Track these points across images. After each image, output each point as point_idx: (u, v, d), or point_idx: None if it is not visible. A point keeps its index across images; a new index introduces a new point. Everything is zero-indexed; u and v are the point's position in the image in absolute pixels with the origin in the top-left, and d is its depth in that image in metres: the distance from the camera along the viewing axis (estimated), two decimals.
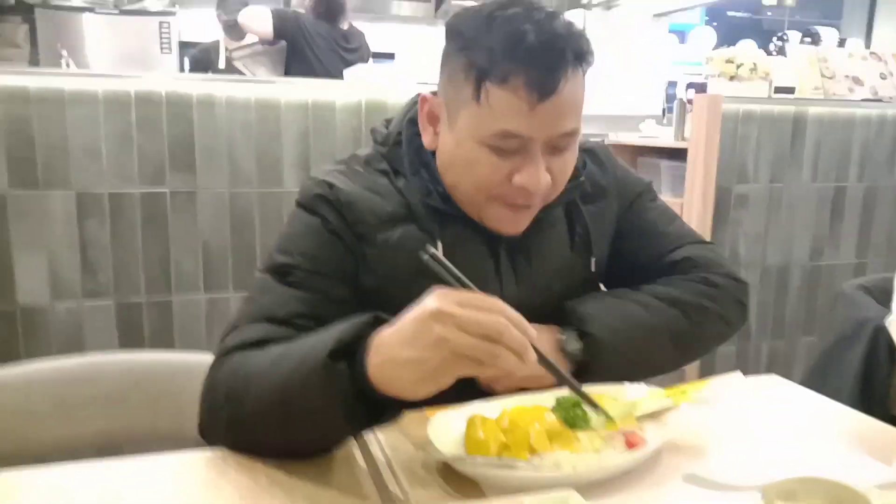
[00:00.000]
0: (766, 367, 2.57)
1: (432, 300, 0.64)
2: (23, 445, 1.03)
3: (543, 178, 0.85)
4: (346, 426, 0.70)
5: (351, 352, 0.68)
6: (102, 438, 1.08)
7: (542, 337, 0.90)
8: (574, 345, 0.90)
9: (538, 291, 0.95)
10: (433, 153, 0.93)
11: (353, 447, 0.77)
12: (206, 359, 0.94)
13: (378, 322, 0.69)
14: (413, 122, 0.95)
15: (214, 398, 0.77)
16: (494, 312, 0.64)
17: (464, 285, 0.70)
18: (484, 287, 0.91)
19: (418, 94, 0.97)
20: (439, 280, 0.70)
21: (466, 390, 0.86)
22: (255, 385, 0.73)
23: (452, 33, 0.87)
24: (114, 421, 1.07)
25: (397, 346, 0.65)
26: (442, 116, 0.89)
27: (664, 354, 0.94)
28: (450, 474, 0.70)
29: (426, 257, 0.71)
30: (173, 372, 1.09)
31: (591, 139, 1.10)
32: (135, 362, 1.10)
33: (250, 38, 3.87)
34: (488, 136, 0.83)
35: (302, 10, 3.39)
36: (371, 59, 3.53)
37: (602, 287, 1.05)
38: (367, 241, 0.89)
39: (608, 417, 0.75)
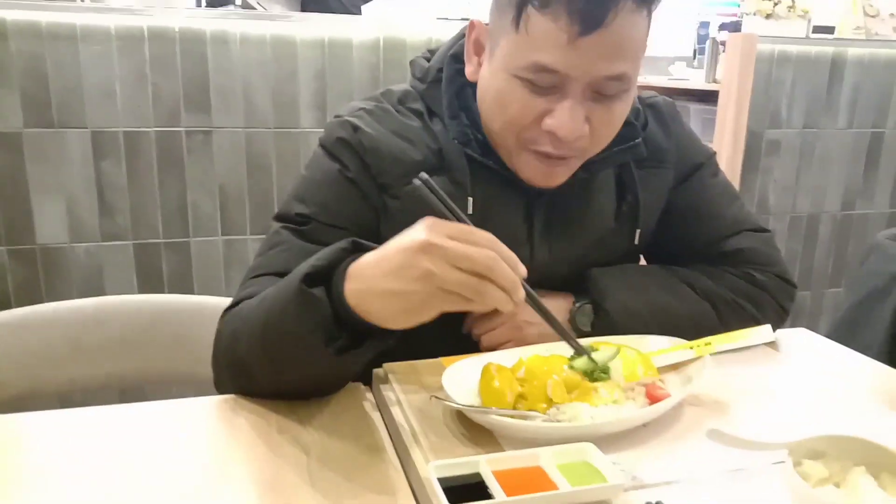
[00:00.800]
0: (792, 318, 2.53)
1: (421, 231, 0.61)
2: (41, 386, 1.04)
3: (577, 126, 0.76)
4: (329, 355, 0.66)
5: (328, 277, 0.66)
6: (118, 380, 1.08)
7: (555, 303, 0.87)
8: (585, 318, 0.86)
9: (572, 261, 0.89)
10: (475, 95, 0.85)
11: (365, 392, 0.76)
12: (221, 302, 0.93)
13: (357, 248, 0.67)
14: (456, 57, 0.87)
15: (218, 348, 0.77)
16: (485, 246, 0.61)
17: (457, 217, 0.67)
18: (514, 249, 0.87)
19: (467, 24, 0.90)
20: (432, 210, 0.66)
21: (460, 343, 0.84)
22: (247, 324, 0.72)
23: None
24: (129, 363, 1.07)
25: (380, 276, 0.62)
26: (487, 46, 0.81)
27: None
28: (465, 422, 0.68)
29: (418, 183, 0.68)
30: (189, 315, 1.09)
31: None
32: (151, 305, 1.10)
33: None
34: (522, 68, 0.75)
35: None
36: None
37: (642, 259, 0.98)
38: (389, 192, 0.84)
39: (594, 366, 0.72)
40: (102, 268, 1.85)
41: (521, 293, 0.63)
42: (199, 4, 4.12)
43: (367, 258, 0.65)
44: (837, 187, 2.42)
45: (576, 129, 0.76)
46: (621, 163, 0.88)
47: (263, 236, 0.87)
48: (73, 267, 1.83)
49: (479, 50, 0.83)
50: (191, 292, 1.91)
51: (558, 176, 0.83)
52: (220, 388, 0.77)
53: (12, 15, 1.68)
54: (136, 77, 1.80)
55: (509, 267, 0.61)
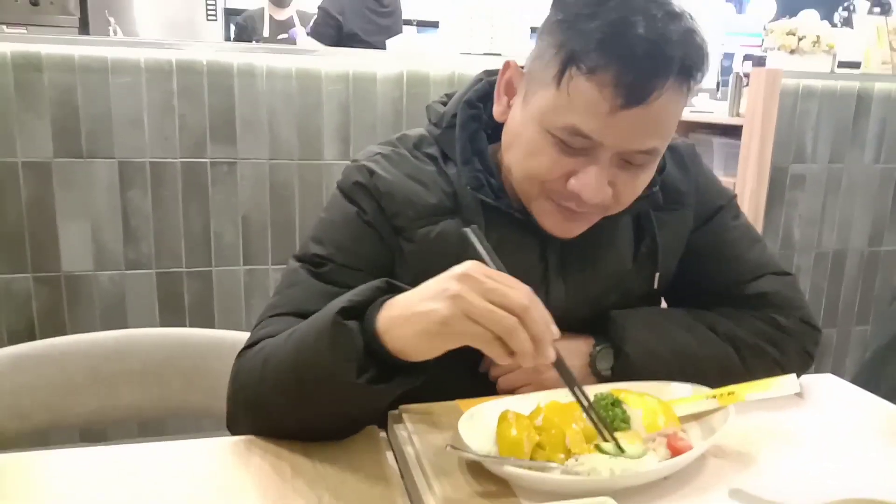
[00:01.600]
0: (818, 356, 2.48)
1: (463, 266, 0.62)
2: (61, 417, 1.05)
3: (602, 191, 0.76)
4: (359, 387, 0.65)
5: (362, 314, 0.67)
6: (137, 412, 1.09)
7: (575, 345, 0.86)
8: (605, 363, 0.85)
9: (589, 303, 0.88)
10: (489, 140, 0.86)
11: (380, 439, 0.75)
12: (240, 336, 0.94)
13: (391, 288, 0.69)
14: (470, 104, 0.87)
15: (234, 388, 0.77)
16: (523, 293, 0.61)
17: (499, 269, 0.67)
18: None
19: (483, 72, 0.91)
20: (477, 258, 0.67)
21: (478, 385, 0.83)
22: (272, 360, 0.72)
23: (557, 2, 0.77)
24: (149, 395, 1.07)
25: (413, 301, 0.64)
26: (520, 89, 0.81)
27: None
28: (480, 472, 0.67)
29: (467, 230, 0.69)
30: (208, 348, 1.09)
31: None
32: (171, 338, 1.10)
33: (294, 7, 3.85)
34: (557, 127, 0.75)
35: None
36: (402, 23, 3.42)
37: (663, 301, 0.97)
38: (405, 235, 0.85)
39: (619, 450, 0.67)
40: (125, 295, 1.88)
41: (551, 352, 0.62)
42: (227, 38, 4.22)
43: (405, 294, 0.66)
44: (864, 223, 2.38)
45: (599, 194, 0.76)
46: (638, 211, 0.88)
47: (284, 266, 0.88)
48: (96, 294, 1.86)
49: (510, 91, 0.83)
50: (212, 321, 1.92)
51: (576, 229, 0.83)
52: (234, 428, 0.77)
53: (47, 49, 1.73)
54: (163, 108, 1.84)
55: (542, 323, 0.61)
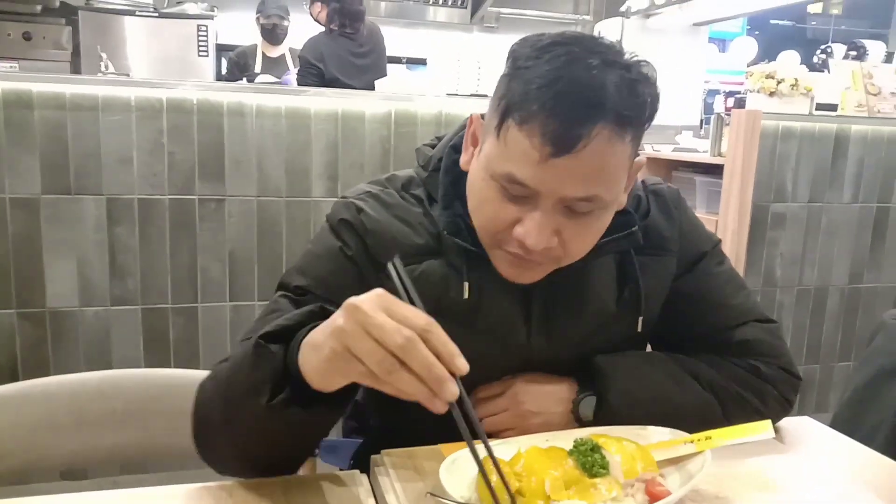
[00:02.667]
0: (800, 391, 2.49)
1: (363, 296, 0.61)
2: (43, 457, 1.04)
3: (544, 238, 0.76)
4: (273, 410, 0.66)
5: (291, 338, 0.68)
6: (120, 452, 1.08)
7: (558, 390, 0.88)
8: (588, 410, 0.87)
9: (572, 346, 0.89)
10: None
11: (363, 485, 0.76)
12: None
13: (326, 314, 0.68)
14: (455, 148, 0.89)
15: (195, 403, 0.78)
16: (413, 327, 0.58)
17: (413, 303, 0.64)
18: (510, 334, 0.88)
19: (471, 116, 0.92)
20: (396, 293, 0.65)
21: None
22: (217, 378, 0.75)
23: (509, 57, 0.79)
24: (131, 436, 1.07)
25: (319, 331, 0.64)
26: (480, 140, 0.84)
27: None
28: None
29: (389, 265, 0.67)
30: (191, 389, 1.09)
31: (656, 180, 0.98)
32: (154, 378, 1.10)
33: (287, 44, 3.90)
34: (498, 175, 0.77)
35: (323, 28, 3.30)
36: (386, 61, 3.47)
37: (648, 345, 0.98)
38: (387, 272, 0.86)
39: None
40: (110, 331, 1.87)
41: (451, 390, 0.58)
42: (219, 74, 4.25)
43: (323, 322, 0.67)
44: (844, 260, 2.42)
45: (542, 241, 0.77)
46: (620, 250, 0.89)
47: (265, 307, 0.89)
48: (81, 330, 1.85)
49: (475, 142, 0.86)
50: (197, 357, 1.92)
51: (531, 276, 0.83)
52: (196, 443, 0.78)
53: (38, 87, 1.75)
54: (153, 146, 1.85)
55: (443, 359, 0.58)
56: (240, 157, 1.92)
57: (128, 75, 3.27)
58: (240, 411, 0.70)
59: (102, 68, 2.91)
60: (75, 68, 3.79)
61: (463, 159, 0.87)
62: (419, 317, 0.59)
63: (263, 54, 3.90)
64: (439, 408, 0.58)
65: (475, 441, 0.62)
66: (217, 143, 1.90)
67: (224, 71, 4.21)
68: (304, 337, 0.67)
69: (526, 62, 0.75)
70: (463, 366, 0.59)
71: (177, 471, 0.77)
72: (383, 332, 0.58)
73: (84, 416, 1.05)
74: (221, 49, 4.30)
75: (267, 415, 0.68)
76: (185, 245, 1.90)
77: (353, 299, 0.60)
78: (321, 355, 0.62)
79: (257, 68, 3.85)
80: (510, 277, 0.84)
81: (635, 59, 0.76)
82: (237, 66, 3.90)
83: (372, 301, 0.60)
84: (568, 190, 0.75)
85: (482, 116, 0.85)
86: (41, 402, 1.04)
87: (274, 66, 3.85)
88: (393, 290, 0.64)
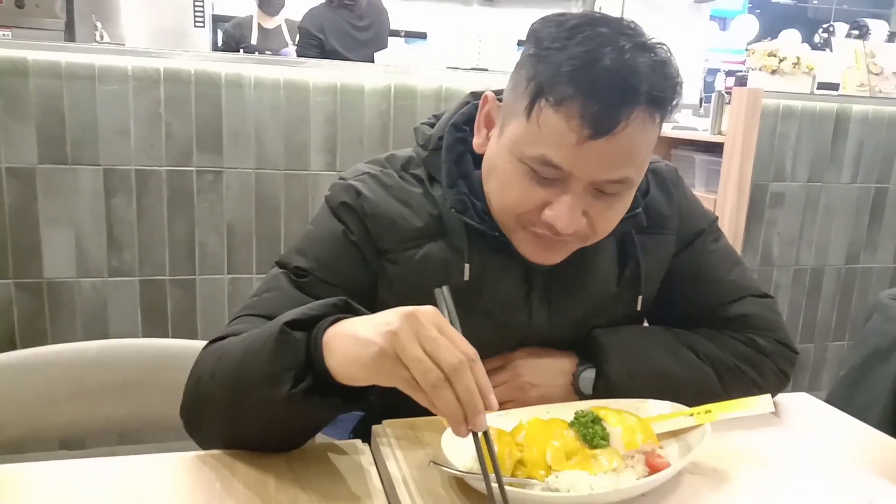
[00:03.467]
0: (795, 371, 2.52)
1: (417, 307, 0.61)
2: (41, 427, 1.04)
3: (575, 221, 0.77)
4: (293, 398, 0.66)
5: (312, 328, 0.67)
6: (117, 423, 1.08)
7: (559, 363, 0.89)
8: (587, 383, 0.87)
9: (572, 325, 0.90)
10: (475, 164, 0.87)
11: (365, 454, 0.76)
12: None
13: (348, 307, 0.69)
14: (457, 126, 0.88)
15: (191, 378, 0.77)
16: (466, 354, 0.59)
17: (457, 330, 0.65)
18: (511, 314, 0.87)
19: (470, 94, 0.92)
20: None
21: None
22: (224, 357, 0.73)
23: (531, 37, 0.78)
24: (129, 406, 1.07)
25: (362, 326, 0.64)
26: (497, 122, 0.83)
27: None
28: (463, 487, 0.68)
29: (437, 292, 0.68)
30: (190, 360, 1.09)
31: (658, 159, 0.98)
32: (152, 349, 1.10)
33: (283, 16, 3.85)
34: (528, 158, 0.76)
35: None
36: (388, 35, 3.44)
37: (646, 323, 0.99)
38: (389, 257, 0.86)
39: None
40: (107, 303, 1.87)
41: (483, 422, 0.59)
42: (215, 45, 4.20)
43: (360, 317, 0.67)
44: (842, 241, 2.43)
45: (573, 224, 0.77)
46: (623, 231, 0.89)
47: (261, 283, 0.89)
48: (78, 301, 1.84)
49: (489, 124, 0.85)
50: (194, 329, 1.92)
51: (555, 256, 0.83)
52: (184, 417, 0.78)
53: (34, 55, 1.73)
54: (150, 116, 1.84)
55: (481, 391, 0.59)
56: (238, 130, 1.90)
57: (123, 45, 3.23)
58: (252, 396, 0.69)
59: (97, 38, 2.87)
60: (69, 37, 3.73)
61: (476, 141, 0.86)
62: (469, 346, 0.61)
63: (259, 25, 3.85)
64: (464, 433, 0.60)
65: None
66: (215, 115, 1.88)
67: (220, 42, 4.16)
68: (327, 326, 0.66)
69: (553, 43, 0.74)
70: (494, 404, 0.60)
71: (175, 440, 0.77)
72: (437, 347, 0.59)
73: (82, 386, 1.05)
74: (218, 20, 4.25)
75: (284, 403, 0.67)
76: (182, 217, 1.89)
77: (410, 308, 0.61)
78: (367, 352, 0.61)
79: (253, 40, 3.80)
80: (534, 259, 0.84)
81: (654, 40, 0.76)
82: (233, 37, 3.85)
83: (429, 315, 0.61)
84: (601, 172, 0.75)
85: (497, 97, 0.84)
86: (40, 372, 1.04)
87: (270, 37, 3.81)
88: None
